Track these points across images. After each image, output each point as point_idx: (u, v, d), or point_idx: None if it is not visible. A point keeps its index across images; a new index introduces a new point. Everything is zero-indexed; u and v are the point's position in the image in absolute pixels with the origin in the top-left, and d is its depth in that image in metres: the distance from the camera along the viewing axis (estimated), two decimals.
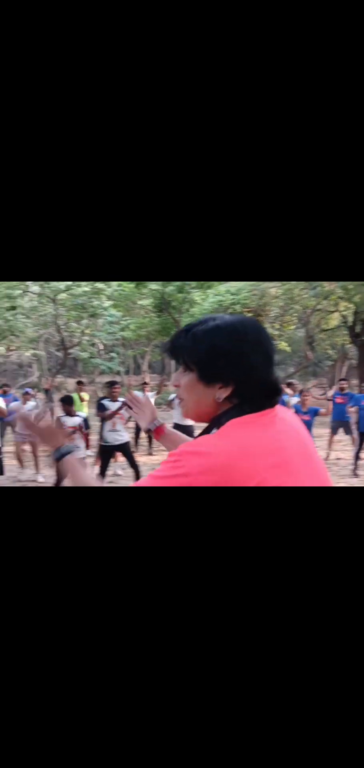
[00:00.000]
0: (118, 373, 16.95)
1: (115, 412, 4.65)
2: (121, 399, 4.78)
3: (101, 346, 14.18)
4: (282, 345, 12.42)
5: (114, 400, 4.74)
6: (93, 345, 12.76)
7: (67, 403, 4.53)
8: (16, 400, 7.24)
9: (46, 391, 10.07)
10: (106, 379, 8.12)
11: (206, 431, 0.76)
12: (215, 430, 0.74)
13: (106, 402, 4.81)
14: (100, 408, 4.78)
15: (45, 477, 5.87)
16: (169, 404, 6.32)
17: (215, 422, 0.75)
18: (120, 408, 4.62)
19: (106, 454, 4.73)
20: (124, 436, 4.77)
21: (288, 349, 12.60)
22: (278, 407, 0.78)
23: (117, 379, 6.09)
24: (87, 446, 7.50)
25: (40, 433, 1.01)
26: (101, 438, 4.85)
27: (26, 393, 5.96)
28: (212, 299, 10.77)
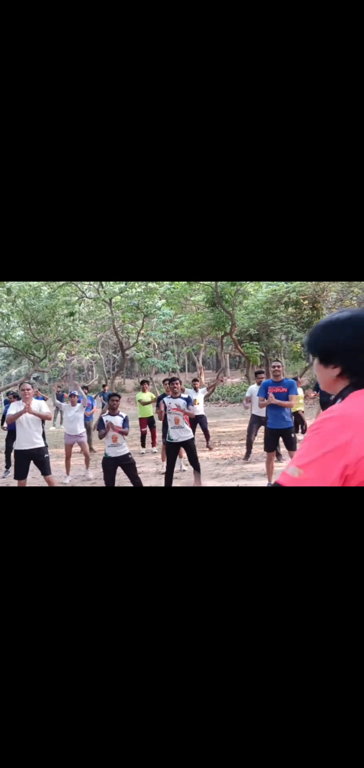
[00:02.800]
0: (173, 370, 17.11)
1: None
2: (183, 396, 4.77)
3: (156, 345, 14.40)
4: None
5: (174, 396, 4.73)
6: (148, 345, 12.97)
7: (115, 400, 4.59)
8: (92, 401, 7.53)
9: (103, 394, 10.34)
10: (163, 377, 8.20)
11: (333, 402, 0.98)
12: (339, 401, 0.95)
13: (166, 399, 4.83)
14: (158, 406, 4.82)
15: (95, 476, 6.03)
16: (247, 399, 6.27)
17: (339, 395, 0.96)
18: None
19: (171, 450, 4.75)
20: (189, 432, 4.75)
21: None
22: None
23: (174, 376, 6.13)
24: (153, 444, 7.59)
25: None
26: (166, 436, 4.88)
27: (72, 395, 6.15)
28: (265, 289, 10.51)
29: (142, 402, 7.46)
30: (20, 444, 4.52)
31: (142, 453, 7.42)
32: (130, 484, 4.58)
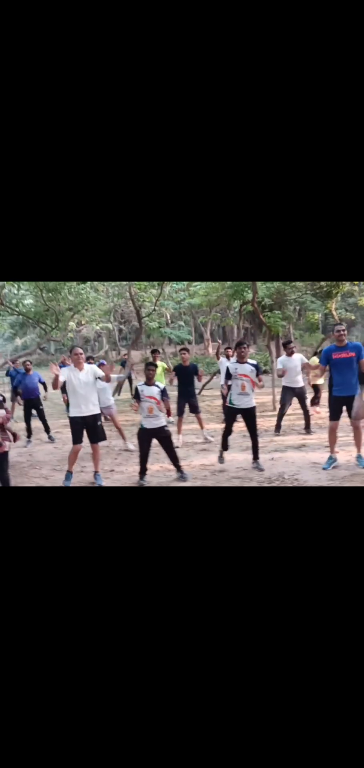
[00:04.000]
0: (183, 342, 16.79)
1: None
2: (250, 361, 4.51)
3: (168, 316, 14.02)
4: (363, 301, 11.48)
5: (242, 362, 4.47)
6: (161, 316, 12.63)
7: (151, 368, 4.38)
8: None
9: (123, 363, 10.08)
10: (174, 348, 7.96)
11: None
12: None
13: (230, 365, 4.56)
14: (227, 373, 4.55)
15: (135, 446, 5.82)
16: (282, 373, 5.99)
17: None
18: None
19: (230, 413, 4.53)
20: (252, 401, 4.49)
21: None
22: None
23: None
24: (168, 414, 7.34)
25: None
26: (227, 400, 4.66)
27: (101, 364, 5.89)
28: None
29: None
30: (76, 411, 4.33)
31: None
32: (166, 457, 4.38)
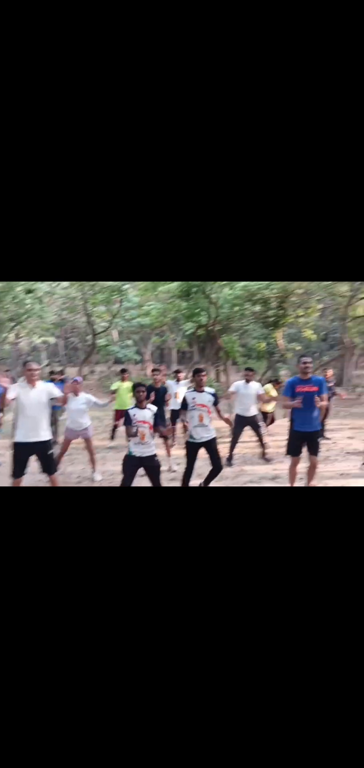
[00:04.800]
0: (135, 362, 16.27)
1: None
2: (208, 389, 4.18)
3: (116, 334, 13.44)
4: (308, 333, 11.98)
5: (200, 390, 4.12)
6: (108, 333, 12.10)
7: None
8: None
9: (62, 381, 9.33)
10: (120, 367, 7.56)
11: None
12: None
13: (188, 394, 4.19)
14: (184, 403, 4.15)
15: (102, 475, 5.29)
16: (229, 396, 5.77)
17: None
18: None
19: (192, 450, 4.14)
20: (212, 432, 4.17)
21: (314, 336, 12.17)
22: None
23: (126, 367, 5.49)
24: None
25: None
26: (188, 434, 4.25)
27: (75, 381, 5.29)
28: (241, 284, 10.24)
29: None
30: (22, 435, 3.62)
31: (111, 447, 6.70)
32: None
